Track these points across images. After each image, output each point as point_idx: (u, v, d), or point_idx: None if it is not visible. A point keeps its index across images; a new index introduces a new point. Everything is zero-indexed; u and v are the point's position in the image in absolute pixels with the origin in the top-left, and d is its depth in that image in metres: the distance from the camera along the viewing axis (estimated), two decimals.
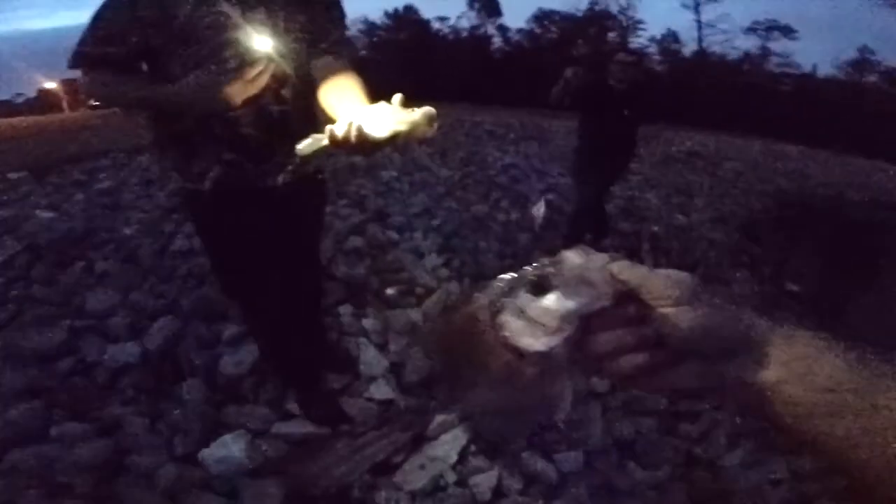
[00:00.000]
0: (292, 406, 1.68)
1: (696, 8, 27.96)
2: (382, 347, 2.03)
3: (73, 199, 3.29)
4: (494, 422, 0.77)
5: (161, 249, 2.49)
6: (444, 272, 2.62)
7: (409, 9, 31.55)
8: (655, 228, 3.75)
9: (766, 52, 27.92)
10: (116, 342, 1.87)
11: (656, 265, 0.40)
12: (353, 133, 0.83)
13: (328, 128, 0.87)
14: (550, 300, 0.39)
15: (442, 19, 32.19)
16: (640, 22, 29.37)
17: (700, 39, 28.30)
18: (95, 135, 7.59)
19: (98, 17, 1.18)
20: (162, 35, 1.17)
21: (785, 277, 3.02)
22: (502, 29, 31.36)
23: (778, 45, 27.73)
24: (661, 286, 0.37)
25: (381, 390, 1.81)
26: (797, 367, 0.34)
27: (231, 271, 1.46)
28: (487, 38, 31.46)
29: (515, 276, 0.43)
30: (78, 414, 1.61)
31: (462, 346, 0.51)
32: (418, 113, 0.81)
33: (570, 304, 0.39)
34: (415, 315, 2.23)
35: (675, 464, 1.63)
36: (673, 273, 0.38)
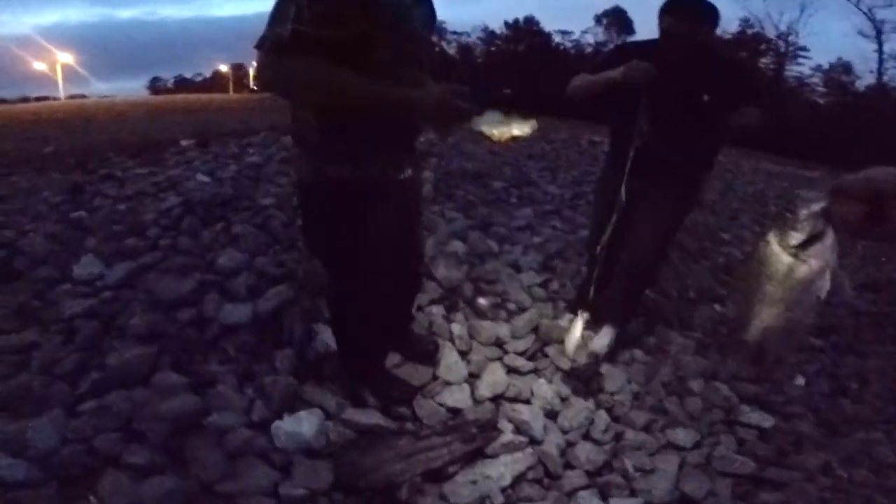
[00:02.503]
0: (368, 396, 1.73)
1: (878, 36, 23.81)
2: (465, 355, 2.04)
3: (227, 168, 3.74)
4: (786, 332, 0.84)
5: (289, 221, 2.74)
6: (541, 292, 2.57)
7: (530, 20, 31.38)
8: None
9: None
10: (233, 301, 2.05)
11: None
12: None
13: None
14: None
15: (564, 33, 31.68)
16: (802, 49, 26.17)
17: (880, 72, 24.06)
18: (252, 115, 8.56)
19: None
20: (378, 20, 1.13)
21: None
22: None
23: None
24: None
25: (454, 397, 1.82)
26: None
27: (348, 256, 1.49)
28: None
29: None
30: (181, 364, 1.73)
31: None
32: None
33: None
34: (502, 330, 2.21)
35: None
36: None
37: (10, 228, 2.58)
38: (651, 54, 1.82)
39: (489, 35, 31.97)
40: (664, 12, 1.82)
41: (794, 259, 0.77)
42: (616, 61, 1.88)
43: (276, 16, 1.09)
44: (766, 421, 1.92)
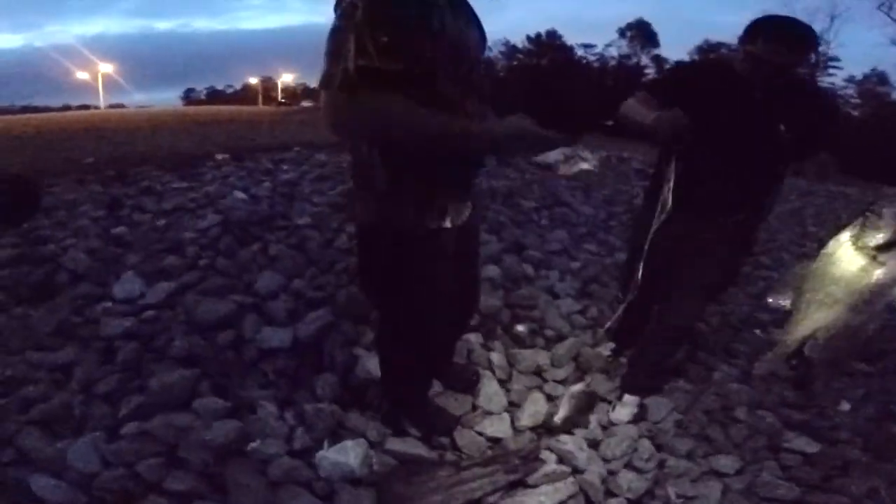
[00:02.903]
0: (409, 425, 1.70)
1: None
2: (504, 384, 1.99)
3: (262, 185, 3.77)
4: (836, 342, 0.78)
5: (326, 242, 2.73)
6: (580, 320, 2.50)
7: (552, 34, 31.31)
8: None
9: None
10: (271, 324, 2.04)
11: None
12: None
13: None
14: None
15: (587, 46, 31.50)
16: (834, 59, 25.48)
17: None
18: (281, 128, 8.70)
19: (379, 21, 0.94)
20: (443, 49, 1.04)
21: None
22: (658, 60, 29.67)
23: None
24: None
25: (495, 427, 1.79)
26: None
27: (406, 304, 1.43)
28: (640, 69, 29.94)
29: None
30: (221, 389, 1.73)
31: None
32: None
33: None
34: (542, 358, 2.16)
35: None
36: None
37: (53, 243, 2.62)
38: (721, 78, 1.65)
39: (511, 49, 32.13)
40: (759, 37, 1.55)
41: (871, 260, 0.69)
42: (673, 87, 1.74)
43: (335, 50, 0.98)
44: (811, 446, 1.88)
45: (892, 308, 0.71)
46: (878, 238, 0.68)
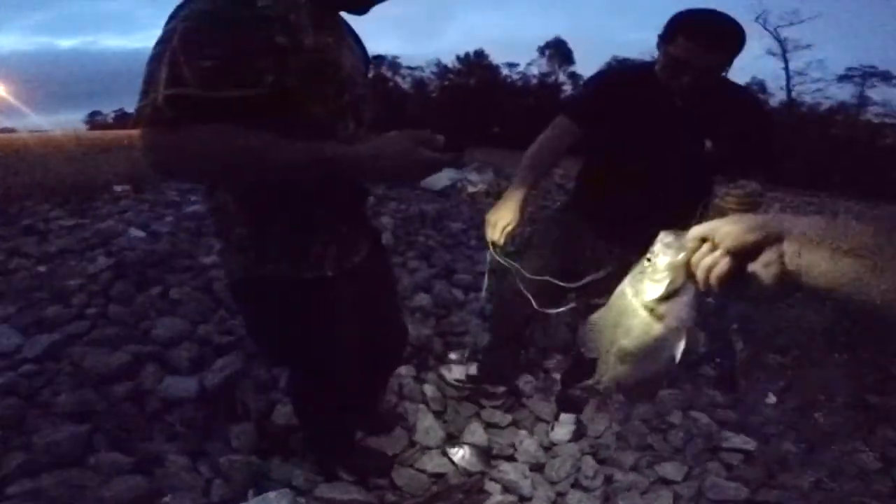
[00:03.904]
0: (340, 471, 1.58)
1: (784, 55, 25.89)
2: (440, 416, 1.92)
3: (164, 219, 3.46)
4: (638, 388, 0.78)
5: None
6: None
7: (480, 54, 32.35)
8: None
9: (863, 102, 25.04)
10: (175, 374, 1.85)
11: None
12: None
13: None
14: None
15: (511, 65, 32.77)
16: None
17: (789, 89, 26.01)
18: None
19: (201, 43, 0.80)
20: (299, 69, 0.89)
21: None
22: (574, 77, 31.31)
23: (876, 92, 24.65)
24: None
25: (434, 462, 1.72)
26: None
27: (305, 359, 1.26)
28: (558, 87, 31.40)
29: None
30: (121, 443, 1.57)
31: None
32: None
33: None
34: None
35: None
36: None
37: None
38: (639, 86, 1.48)
39: (442, 69, 32.77)
40: (681, 34, 1.33)
41: (650, 314, 0.68)
42: (587, 103, 1.57)
43: (147, 80, 0.82)
44: (749, 444, 1.93)
45: (671, 359, 0.70)
46: (654, 292, 0.67)
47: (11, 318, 2.09)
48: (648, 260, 0.67)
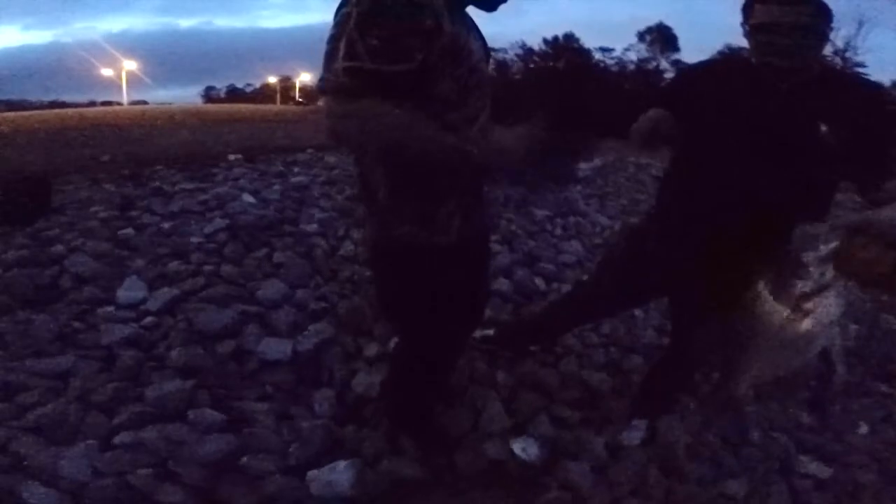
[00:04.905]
0: (407, 444, 1.64)
1: None
2: (509, 404, 1.91)
3: (272, 188, 3.73)
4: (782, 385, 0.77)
5: (331, 250, 2.69)
6: (593, 338, 2.40)
7: (569, 37, 30.97)
8: None
9: None
10: (274, 335, 2.00)
11: None
12: None
13: None
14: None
15: (605, 50, 31.06)
16: (860, 65, 24.44)
17: None
18: (298, 128, 8.72)
19: (370, 24, 0.93)
20: (440, 50, 1.01)
21: None
22: (678, 64, 29.04)
23: None
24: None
25: (496, 449, 1.71)
26: None
27: (423, 320, 1.38)
28: (659, 74, 29.45)
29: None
30: (219, 400, 1.71)
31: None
32: None
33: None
34: (549, 377, 2.07)
35: None
36: None
37: (61, 244, 2.61)
38: (736, 75, 1.39)
39: (527, 52, 31.90)
40: (756, 2, 1.29)
41: (796, 310, 0.64)
42: (677, 92, 1.54)
43: (329, 55, 0.98)
44: (824, 471, 1.84)
45: (826, 352, 0.63)
46: (802, 286, 0.63)
47: (141, 271, 2.36)
48: (788, 254, 0.63)
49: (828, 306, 0.63)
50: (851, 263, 0.57)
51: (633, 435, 1.85)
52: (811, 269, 0.61)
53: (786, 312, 0.65)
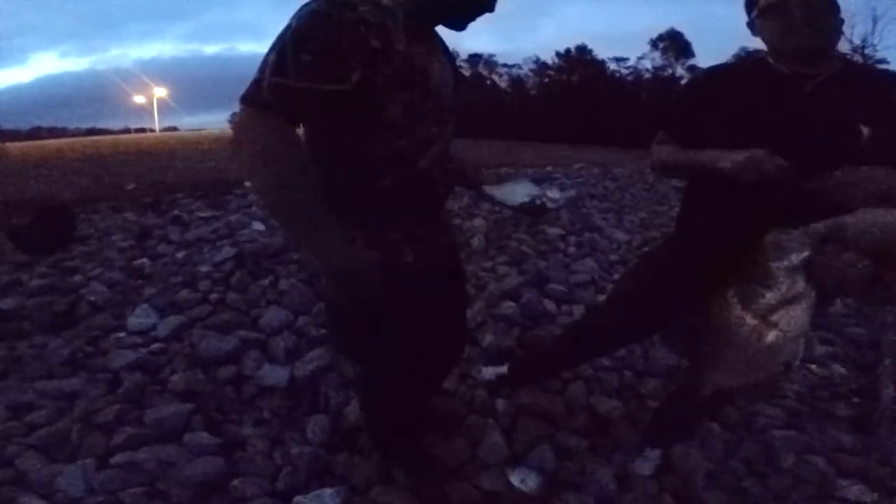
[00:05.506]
0: (398, 474, 1.61)
1: None
2: (509, 434, 1.85)
3: None
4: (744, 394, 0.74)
5: None
6: (603, 360, 2.30)
7: (582, 49, 30.87)
8: None
9: None
10: (273, 361, 2.03)
11: None
12: None
13: None
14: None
15: (619, 60, 30.92)
16: (881, 62, 23.10)
17: None
18: None
19: (305, 39, 0.87)
20: (387, 71, 0.94)
21: None
22: (694, 70, 28.56)
23: None
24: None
25: (492, 480, 1.65)
26: None
27: (375, 351, 1.30)
28: (676, 81, 28.85)
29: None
30: (215, 424, 1.75)
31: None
32: None
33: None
34: (555, 404, 2.00)
35: None
36: None
37: (80, 273, 2.72)
38: (755, 76, 1.25)
39: (540, 66, 32.04)
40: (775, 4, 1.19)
41: (762, 321, 0.61)
42: (701, 97, 1.35)
43: (261, 68, 0.90)
44: (866, 495, 1.69)
45: (788, 365, 0.60)
46: (769, 298, 0.60)
47: (152, 299, 2.44)
48: (756, 263, 0.61)
49: (795, 318, 0.61)
50: (826, 272, 0.55)
51: (646, 464, 1.77)
52: (780, 279, 0.59)
53: (752, 324, 0.62)
